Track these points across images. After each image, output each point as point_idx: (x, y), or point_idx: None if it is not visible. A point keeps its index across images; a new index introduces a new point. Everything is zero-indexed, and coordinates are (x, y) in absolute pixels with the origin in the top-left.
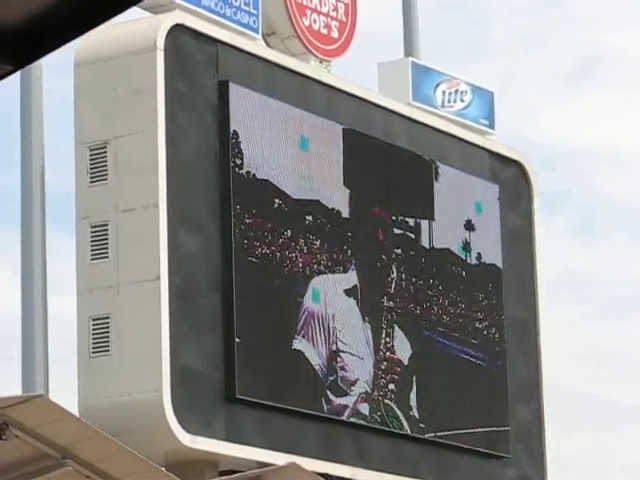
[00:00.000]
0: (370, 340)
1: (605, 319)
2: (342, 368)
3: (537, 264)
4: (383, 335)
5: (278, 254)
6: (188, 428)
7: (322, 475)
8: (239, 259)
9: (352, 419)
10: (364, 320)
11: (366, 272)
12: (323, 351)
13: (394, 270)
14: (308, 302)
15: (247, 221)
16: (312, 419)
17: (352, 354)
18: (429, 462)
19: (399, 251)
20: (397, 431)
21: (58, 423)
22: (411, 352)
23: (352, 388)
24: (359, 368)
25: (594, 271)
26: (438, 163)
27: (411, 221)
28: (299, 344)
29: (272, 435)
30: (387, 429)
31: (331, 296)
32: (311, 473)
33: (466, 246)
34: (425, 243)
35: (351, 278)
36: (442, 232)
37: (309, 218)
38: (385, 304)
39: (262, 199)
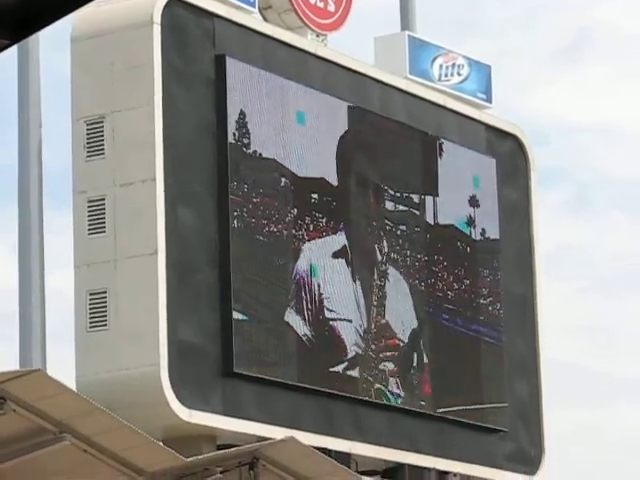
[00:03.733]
0: (361, 304)
1: (599, 294)
2: (331, 336)
3: (534, 239)
4: (374, 302)
5: (275, 229)
6: (186, 402)
7: (320, 449)
8: (236, 233)
9: (350, 394)
10: (354, 281)
11: (358, 239)
12: (311, 320)
13: (386, 241)
14: (302, 273)
15: (240, 194)
16: (310, 393)
17: (340, 319)
18: (427, 436)
19: (404, 227)
20: (395, 405)
21: (56, 397)
22: (412, 327)
23: (343, 354)
24: (348, 332)
25: (588, 246)
26: (442, 140)
27: (415, 197)
28: (289, 316)
29: (270, 409)
30: (386, 403)
31: (323, 268)
32: (309, 447)
33: (470, 222)
34: (430, 219)
35: (340, 241)
36: (446, 208)
37: (312, 195)
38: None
39: (262, 175)
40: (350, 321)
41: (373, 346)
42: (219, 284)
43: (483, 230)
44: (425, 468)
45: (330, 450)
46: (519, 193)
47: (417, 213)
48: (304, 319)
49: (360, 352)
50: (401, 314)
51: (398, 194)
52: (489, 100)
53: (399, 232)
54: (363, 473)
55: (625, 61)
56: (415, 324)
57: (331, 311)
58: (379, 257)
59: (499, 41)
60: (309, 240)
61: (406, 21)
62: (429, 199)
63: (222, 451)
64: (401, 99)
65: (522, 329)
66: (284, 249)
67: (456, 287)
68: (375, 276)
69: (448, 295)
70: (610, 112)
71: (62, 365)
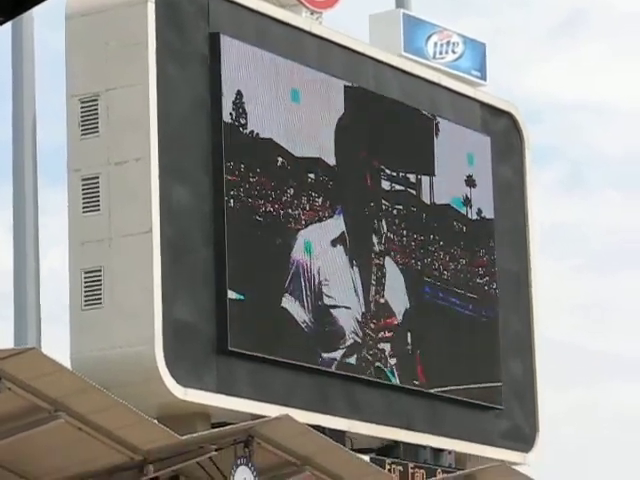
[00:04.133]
0: (359, 287)
1: (593, 271)
2: (329, 322)
3: (529, 216)
4: (373, 281)
5: (271, 208)
6: (180, 380)
7: (315, 427)
8: (233, 211)
9: (344, 372)
10: (352, 266)
11: (356, 220)
12: (310, 307)
13: (384, 221)
14: (298, 255)
15: (236, 173)
16: (305, 371)
17: (339, 306)
18: (422, 414)
19: (400, 207)
20: (390, 383)
21: (51, 376)
22: (408, 306)
23: (341, 341)
24: (347, 319)
25: (582, 224)
26: (438, 119)
27: (412, 177)
28: (287, 302)
29: (264, 387)
30: (380, 381)
31: (319, 247)
32: (304, 425)
33: (466, 201)
34: (426, 199)
35: (339, 226)
36: (442, 188)
37: (309, 175)
38: (376, 249)
39: (259, 155)
40: (349, 308)
41: (372, 325)
42: (214, 262)
43: (479, 210)
44: (420, 446)
45: (324, 428)
46: (514, 171)
47: (414, 193)
48: (303, 306)
49: (358, 339)
50: (398, 294)
51: (394, 173)
52: (484, 78)
53: (395, 212)
54: (358, 451)
55: (620, 39)
56: (409, 304)
57: (330, 297)
58: (377, 239)
59: (494, 19)
60: (306, 224)
61: None
62: (425, 179)
63: (217, 429)
64: (396, 77)
65: (517, 307)
66: (281, 230)
67: (452, 267)
68: (373, 256)
69: (444, 275)
70: (604, 90)
71: (57, 344)
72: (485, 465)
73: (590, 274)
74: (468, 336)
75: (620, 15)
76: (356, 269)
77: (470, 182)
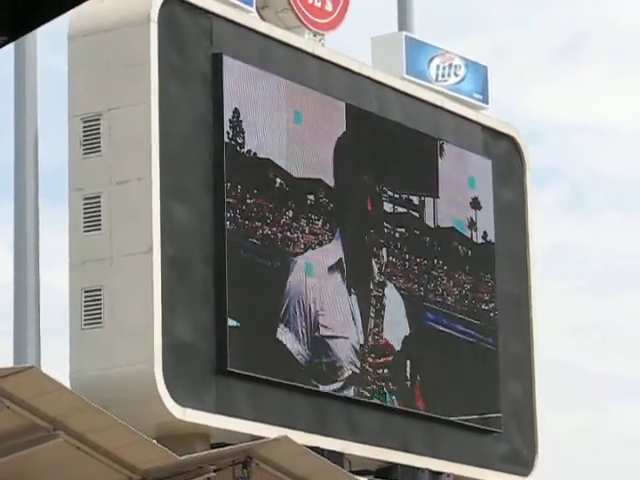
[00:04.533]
0: (357, 316)
1: (594, 293)
2: (326, 354)
3: (530, 238)
4: (372, 313)
5: (269, 231)
6: (179, 400)
7: (313, 449)
8: (232, 233)
9: (344, 393)
10: (350, 294)
11: (355, 245)
12: (305, 338)
13: (385, 248)
14: (295, 282)
15: (233, 194)
16: (304, 393)
17: (336, 337)
18: (421, 436)
19: (403, 230)
20: (388, 405)
21: (50, 395)
22: (408, 333)
23: (338, 373)
24: (344, 349)
25: (583, 245)
26: (442, 140)
27: (415, 199)
28: (281, 334)
29: (264, 408)
30: (378, 403)
31: (317, 272)
32: (302, 446)
33: (472, 225)
34: (429, 222)
35: (337, 251)
36: (446, 210)
37: (308, 196)
38: (376, 279)
39: (258, 176)
40: (347, 338)
41: (370, 359)
42: (214, 282)
43: (485, 233)
44: (418, 468)
45: (323, 449)
46: (514, 193)
47: (417, 215)
48: (298, 339)
49: (357, 370)
50: (398, 320)
51: (397, 195)
52: (485, 101)
53: (398, 235)
54: (356, 473)
55: (621, 60)
56: (409, 330)
57: (326, 328)
58: (377, 267)
59: (495, 39)
60: (305, 249)
61: (403, 21)
62: (429, 200)
63: (215, 450)
64: (398, 99)
65: (517, 329)
66: (278, 254)
67: (456, 292)
68: (372, 286)
69: (447, 300)
70: (605, 111)
71: (56, 361)
72: None
73: (591, 295)
74: (470, 364)
75: (621, 36)
76: (354, 297)
77: (475, 205)
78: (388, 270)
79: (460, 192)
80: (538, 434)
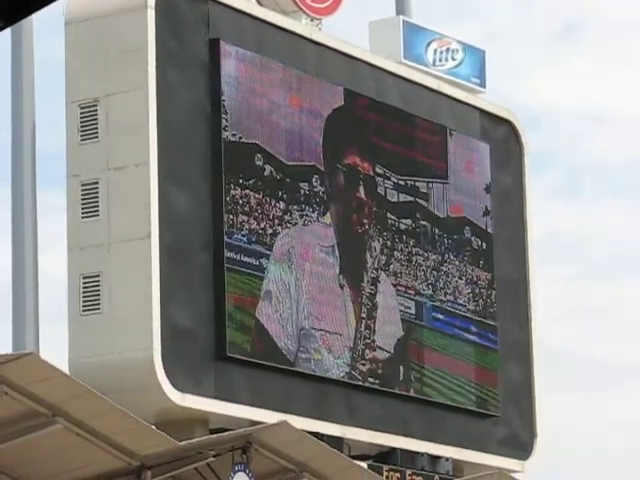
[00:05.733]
0: (350, 312)
1: (590, 280)
2: (315, 349)
3: (527, 224)
4: (363, 313)
5: (259, 227)
6: (178, 386)
7: (313, 434)
8: (229, 218)
9: (344, 379)
10: (342, 288)
11: (349, 240)
12: (292, 330)
13: (380, 240)
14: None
15: (235, 184)
16: (303, 377)
17: (330, 332)
18: (420, 421)
19: (408, 221)
20: (388, 390)
21: (48, 381)
22: (399, 337)
23: (331, 370)
24: (338, 345)
25: (580, 231)
26: (451, 128)
27: (422, 186)
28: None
29: (263, 393)
30: (378, 388)
31: (303, 259)
32: (301, 431)
33: (486, 212)
34: (439, 212)
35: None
36: (458, 198)
37: (298, 183)
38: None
39: (246, 162)
40: (340, 335)
41: (363, 361)
42: (213, 268)
43: (496, 221)
44: (417, 452)
45: (322, 434)
46: (512, 178)
47: (424, 204)
48: (285, 332)
49: (348, 370)
50: (393, 323)
51: (402, 182)
52: (483, 85)
53: (403, 227)
54: (356, 457)
55: (618, 46)
56: (401, 334)
57: (319, 320)
58: (370, 261)
59: (493, 24)
60: (294, 236)
61: (401, 5)
62: (438, 187)
63: (215, 435)
64: (396, 84)
65: (515, 314)
66: (267, 245)
67: (469, 291)
68: (364, 283)
69: (458, 299)
70: (602, 97)
71: (55, 347)
72: (482, 472)
73: (589, 281)
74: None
75: (618, 22)
76: (347, 292)
77: (489, 191)
78: (384, 265)
79: (473, 178)
80: (537, 418)
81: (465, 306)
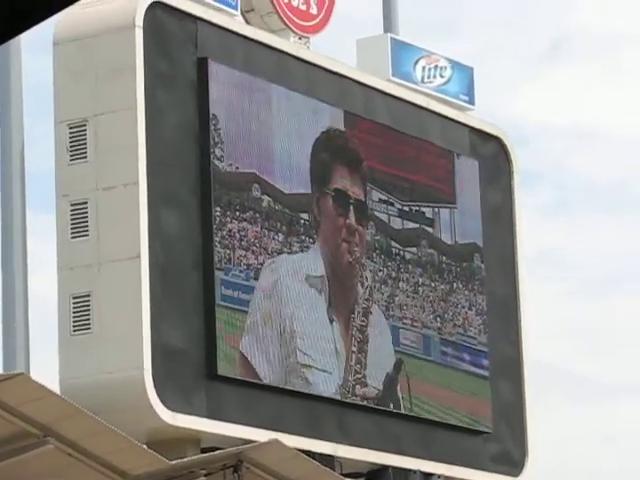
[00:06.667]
0: (341, 348)
1: (582, 297)
2: (299, 384)
3: (517, 241)
4: (354, 347)
5: (256, 261)
6: (169, 405)
7: (304, 452)
8: (220, 237)
9: (336, 396)
10: (331, 322)
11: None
12: (277, 364)
13: (369, 270)
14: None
15: (224, 201)
16: (294, 396)
17: (318, 369)
18: (412, 438)
19: (414, 249)
20: (380, 408)
21: (39, 401)
22: (389, 372)
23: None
24: (325, 384)
25: (568, 250)
26: (455, 152)
27: (428, 211)
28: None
29: (254, 412)
30: (369, 405)
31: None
32: (293, 450)
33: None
34: (446, 239)
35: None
36: (465, 223)
37: (269, 203)
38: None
39: (241, 191)
40: (330, 373)
41: (353, 397)
42: (203, 288)
43: (485, 239)
44: (409, 470)
45: (314, 452)
46: (502, 195)
47: (430, 231)
48: (271, 366)
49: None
50: (385, 359)
51: (406, 208)
52: (472, 102)
53: (408, 256)
54: (347, 475)
55: (604, 61)
56: (391, 368)
57: (305, 355)
58: (361, 291)
59: (481, 41)
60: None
61: (389, 23)
62: (444, 212)
63: (206, 454)
64: (384, 101)
65: (506, 331)
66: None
67: (479, 322)
68: (355, 314)
69: (469, 331)
70: (592, 114)
71: (46, 369)
72: None
73: (579, 299)
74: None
75: (606, 39)
76: (336, 326)
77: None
78: (377, 299)
79: (476, 201)
80: (528, 435)
81: (476, 338)
